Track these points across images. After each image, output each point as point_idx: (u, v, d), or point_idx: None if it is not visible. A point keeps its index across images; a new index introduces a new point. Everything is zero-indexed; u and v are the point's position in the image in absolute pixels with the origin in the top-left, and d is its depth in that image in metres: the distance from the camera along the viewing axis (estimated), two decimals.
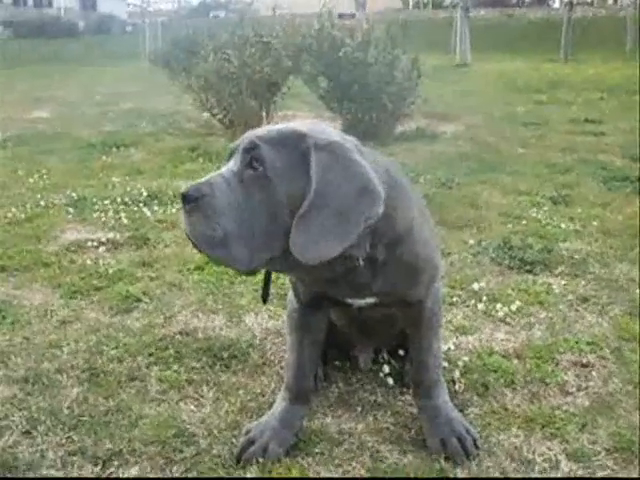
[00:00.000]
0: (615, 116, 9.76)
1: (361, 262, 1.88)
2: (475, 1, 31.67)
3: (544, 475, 2.13)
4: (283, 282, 3.35)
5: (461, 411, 2.42)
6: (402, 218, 1.94)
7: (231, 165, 1.82)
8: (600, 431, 2.34)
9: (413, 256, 2.01)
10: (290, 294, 2.30)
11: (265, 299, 2.10)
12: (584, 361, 2.79)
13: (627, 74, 15.79)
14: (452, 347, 2.86)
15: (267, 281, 2.08)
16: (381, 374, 2.64)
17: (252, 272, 1.85)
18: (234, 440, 2.28)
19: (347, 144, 1.81)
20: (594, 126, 8.85)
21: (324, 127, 1.88)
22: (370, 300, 2.09)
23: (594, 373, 2.72)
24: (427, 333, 2.27)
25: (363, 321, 2.39)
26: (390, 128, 8.11)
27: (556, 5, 41.56)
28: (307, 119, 8.70)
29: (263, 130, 1.84)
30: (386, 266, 1.96)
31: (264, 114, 8.67)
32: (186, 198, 1.77)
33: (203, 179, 1.81)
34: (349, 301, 2.11)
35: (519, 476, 2.13)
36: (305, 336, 2.28)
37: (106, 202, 5.18)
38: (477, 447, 2.22)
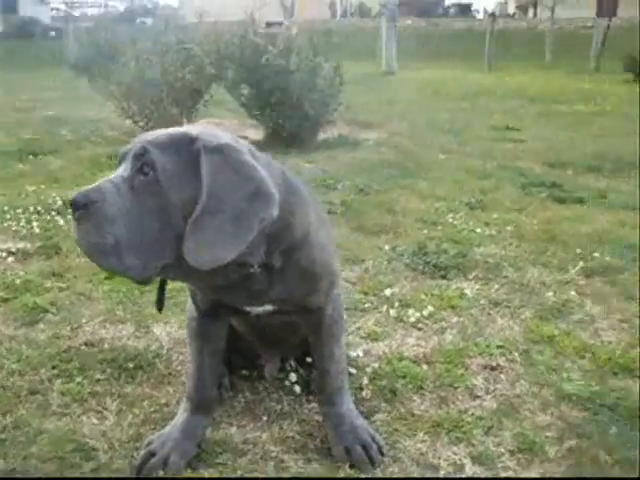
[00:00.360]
0: (534, 124, 9.97)
1: (256, 269, 1.84)
2: (401, 11, 32.01)
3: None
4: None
5: (368, 418, 2.40)
6: (299, 223, 1.91)
7: (121, 171, 1.76)
8: (505, 433, 2.35)
9: (310, 262, 1.98)
10: (189, 302, 2.25)
11: (160, 307, 2.05)
12: (493, 364, 2.81)
13: (546, 84, 16.19)
14: (361, 354, 2.84)
15: (162, 289, 2.03)
16: (288, 382, 2.61)
17: (146, 281, 1.79)
18: (135, 453, 2.21)
19: (238, 146, 1.77)
20: (514, 133, 9.02)
21: (216, 130, 1.84)
22: (268, 308, 2.06)
23: (502, 376, 2.74)
24: (328, 340, 2.24)
25: (262, 329, 2.36)
26: (312, 135, 8.11)
27: (480, 16, 42.28)
28: (209, 124, 8.69)
29: (153, 134, 1.79)
30: (283, 273, 1.93)
31: (185, 121, 8.57)
32: (74, 204, 1.71)
33: (92, 185, 1.75)
34: (247, 309, 2.07)
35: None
36: (205, 345, 2.23)
37: (18, 211, 5.02)
38: (382, 454, 2.21)
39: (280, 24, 26.51)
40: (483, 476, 2.15)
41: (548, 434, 2.35)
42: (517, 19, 43.93)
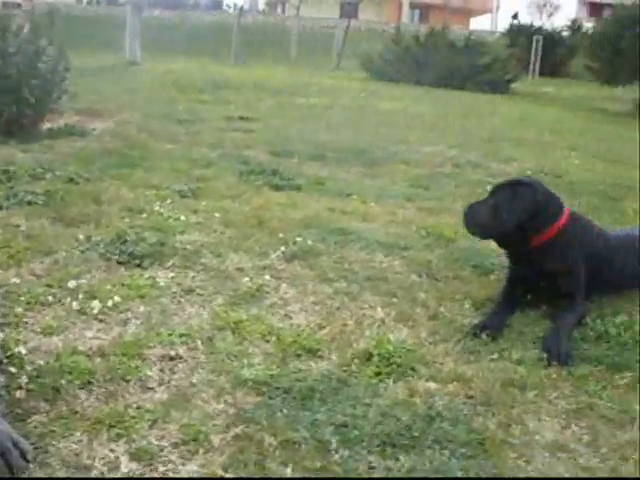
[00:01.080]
0: (269, 115, 10.09)
1: None
2: (150, 1, 31.40)
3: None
4: None
5: (24, 420, 2.18)
6: None
7: None
8: (171, 425, 2.24)
9: None
10: None
11: None
12: (173, 354, 2.69)
13: (289, 78, 16.54)
14: (24, 350, 2.58)
15: None
16: None
17: None
18: None
19: None
20: (248, 123, 9.04)
21: None
22: None
23: (181, 365, 2.63)
24: None
25: None
26: (35, 124, 7.58)
27: (232, 10, 42.53)
28: None
29: None
30: None
31: None
32: None
33: None
34: None
35: None
36: None
37: None
38: (27, 460, 1.99)
39: (18, 5, 25.03)
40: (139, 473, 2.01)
41: (217, 423, 2.27)
42: (266, 15, 44.72)
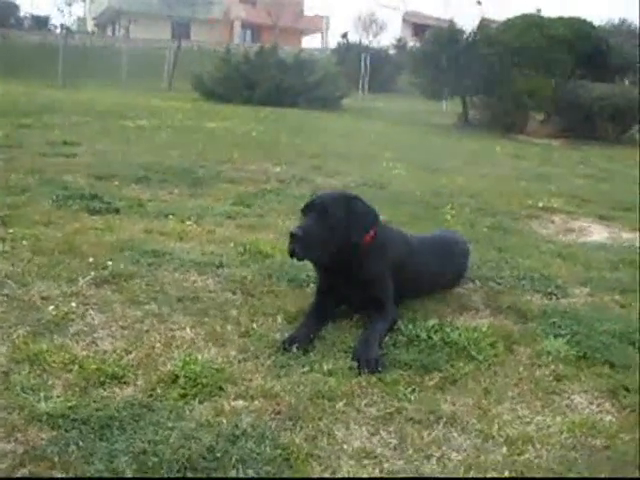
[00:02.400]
0: (94, 138, 9.82)
1: None
2: None
3: None
4: None
5: None
6: None
7: None
8: None
9: None
10: None
11: None
12: None
13: (116, 100, 16.20)
14: None
15: None
16: None
17: None
18: None
19: None
20: (70, 148, 8.75)
21: None
22: None
23: None
24: None
25: None
26: None
27: (58, 31, 41.26)
28: None
29: None
30: None
31: None
32: None
33: None
34: None
35: None
36: None
37: None
38: None
39: None
40: None
41: (1, 466, 2.12)
42: (96, 36, 43.54)
